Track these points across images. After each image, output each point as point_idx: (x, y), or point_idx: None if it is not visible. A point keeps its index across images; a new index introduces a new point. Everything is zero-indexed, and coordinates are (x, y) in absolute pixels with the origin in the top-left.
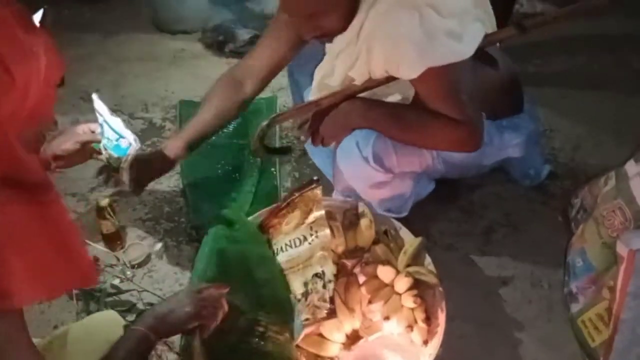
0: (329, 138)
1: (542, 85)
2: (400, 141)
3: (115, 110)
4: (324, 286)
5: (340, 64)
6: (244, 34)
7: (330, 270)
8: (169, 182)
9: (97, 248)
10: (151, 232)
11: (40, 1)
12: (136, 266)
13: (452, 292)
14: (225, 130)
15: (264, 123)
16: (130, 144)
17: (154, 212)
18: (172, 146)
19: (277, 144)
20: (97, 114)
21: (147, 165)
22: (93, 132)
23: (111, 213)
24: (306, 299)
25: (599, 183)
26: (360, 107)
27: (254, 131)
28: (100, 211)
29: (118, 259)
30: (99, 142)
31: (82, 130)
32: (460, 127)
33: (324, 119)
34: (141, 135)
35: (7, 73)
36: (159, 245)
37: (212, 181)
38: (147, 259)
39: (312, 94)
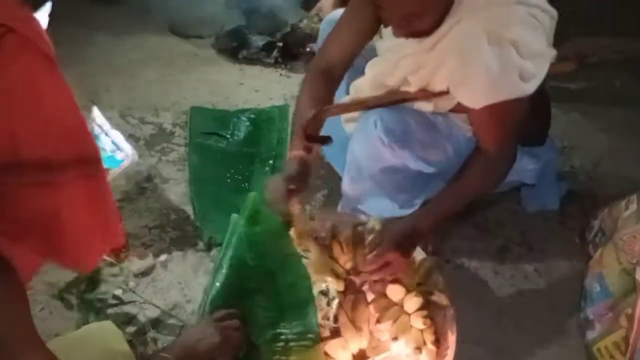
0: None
1: (562, 102)
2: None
3: (125, 114)
4: (328, 303)
5: (404, 66)
6: (257, 41)
7: (334, 286)
8: (176, 189)
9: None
10: (157, 241)
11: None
12: (140, 275)
13: (464, 313)
14: (235, 138)
15: (311, 114)
16: (126, 156)
17: (160, 220)
18: (295, 154)
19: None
20: (95, 125)
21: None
22: None
23: None
24: None
25: (619, 206)
26: (420, 224)
27: (268, 137)
28: None
29: (121, 269)
30: None
31: None
32: (494, 165)
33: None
34: (150, 141)
35: (48, 58)
36: (164, 256)
37: (221, 190)
38: (152, 268)
39: (361, 88)
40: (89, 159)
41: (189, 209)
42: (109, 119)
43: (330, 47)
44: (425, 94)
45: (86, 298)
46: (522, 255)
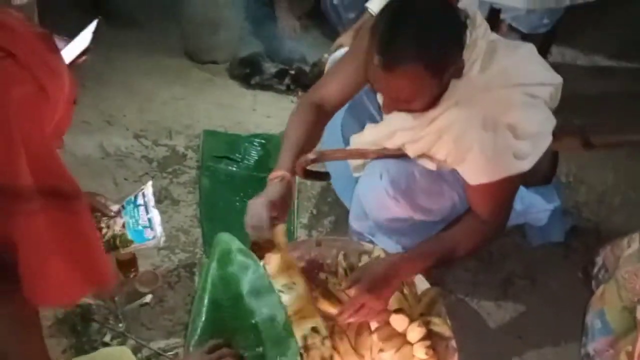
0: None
1: None
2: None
3: (139, 135)
4: (322, 342)
5: (401, 136)
6: (270, 68)
7: (321, 324)
8: (186, 212)
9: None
10: (165, 262)
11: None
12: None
13: (465, 345)
14: (246, 162)
15: (311, 156)
16: (154, 238)
17: (169, 242)
18: (278, 174)
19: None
20: (141, 196)
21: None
22: (106, 209)
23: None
24: (307, 354)
25: (621, 244)
26: (399, 271)
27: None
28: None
29: (110, 309)
30: (105, 216)
31: (99, 201)
32: (484, 231)
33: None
34: (163, 163)
35: (43, 91)
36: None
37: (230, 213)
38: (159, 288)
39: (360, 144)
40: (60, 193)
41: (198, 232)
42: (123, 139)
43: (327, 84)
44: (424, 156)
45: (77, 342)
46: (525, 288)
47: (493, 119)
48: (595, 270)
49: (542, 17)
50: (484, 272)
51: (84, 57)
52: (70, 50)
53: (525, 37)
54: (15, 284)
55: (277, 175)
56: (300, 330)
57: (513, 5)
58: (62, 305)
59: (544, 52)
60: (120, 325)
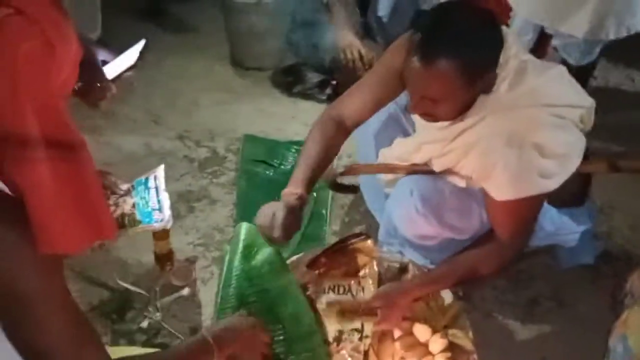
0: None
1: None
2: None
3: (183, 136)
4: (360, 339)
5: (428, 150)
6: (313, 77)
7: (369, 327)
8: (223, 211)
9: (130, 288)
10: (200, 258)
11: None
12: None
13: None
14: (282, 168)
15: (339, 170)
16: (162, 220)
17: (205, 239)
18: (289, 193)
19: None
20: (153, 179)
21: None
22: (116, 189)
23: (167, 235)
24: (337, 344)
25: None
26: (415, 289)
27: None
28: (156, 233)
29: (149, 300)
30: (114, 194)
31: (109, 179)
32: (501, 255)
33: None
34: (203, 163)
35: (51, 47)
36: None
37: None
38: (193, 283)
39: (388, 159)
40: (65, 143)
41: (232, 231)
42: (168, 139)
43: (349, 101)
44: (452, 172)
45: (116, 326)
46: (551, 309)
47: (519, 137)
48: (622, 295)
49: (594, 46)
50: (511, 291)
51: (129, 73)
52: (117, 65)
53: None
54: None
55: (292, 192)
56: (339, 326)
57: (570, 33)
58: (67, 253)
59: (586, 78)
60: (158, 314)
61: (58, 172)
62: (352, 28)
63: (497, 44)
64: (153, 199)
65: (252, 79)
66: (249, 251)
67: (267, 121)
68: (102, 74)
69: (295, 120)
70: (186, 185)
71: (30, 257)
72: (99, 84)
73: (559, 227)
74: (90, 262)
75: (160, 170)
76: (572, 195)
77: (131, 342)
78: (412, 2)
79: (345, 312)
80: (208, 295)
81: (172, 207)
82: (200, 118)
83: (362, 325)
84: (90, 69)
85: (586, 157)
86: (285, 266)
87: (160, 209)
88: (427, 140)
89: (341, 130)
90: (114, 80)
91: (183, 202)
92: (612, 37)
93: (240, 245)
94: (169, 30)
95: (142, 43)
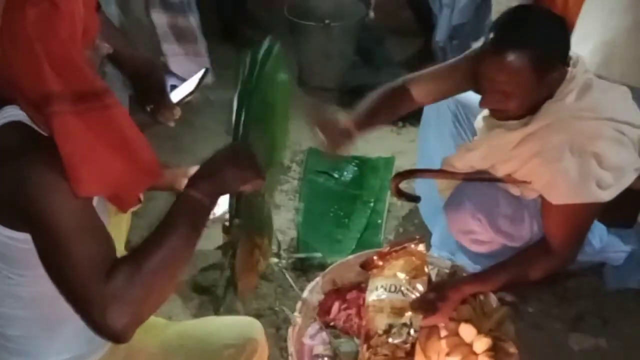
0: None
1: None
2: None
3: None
4: (409, 333)
5: (492, 156)
6: None
7: (417, 322)
8: (286, 215)
9: None
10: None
11: None
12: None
13: None
14: (342, 179)
15: (400, 174)
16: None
17: None
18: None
19: None
20: None
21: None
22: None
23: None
24: (387, 336)
25: None
26: (464, 287)
27: (372, 183)
28: (226, 228)
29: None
30: None
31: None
32: (550, 263)
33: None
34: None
35: (55, 6)
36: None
37: (324, 222)
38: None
39: (452, 164)
40: (87, 92)
41: (293, 233)
42: None
43: (422, 80)
44: (511, 179)
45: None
46: (596, 327)
47: (580, 146)
48: None
49: None
50: (557, 306)
51: (188, 98)
52: (181, 90)
53: None
54: None
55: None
56: (389, 320)
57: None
58: (124, 205)
59: None
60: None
61: (88, 122)
62: None
63: (565, 42)
64: None
65: (317, 97)
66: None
67: None
68: (168, 98)
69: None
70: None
71: (69, 195)
72: (165, 107)
73: (607, 244)
74: None
75: None
76: (622, 215)
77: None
78: (474, 29)
79: (396, 308)
80: (268, 289)
81: None
82: None
83: (411, 321)
84: (159, 93)
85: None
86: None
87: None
88: (493, 144)
89: (407, 99)
90: (179, 103)
91: None
92: None
93: (271, 60)
94: (237, 47)
95: (202, 71)
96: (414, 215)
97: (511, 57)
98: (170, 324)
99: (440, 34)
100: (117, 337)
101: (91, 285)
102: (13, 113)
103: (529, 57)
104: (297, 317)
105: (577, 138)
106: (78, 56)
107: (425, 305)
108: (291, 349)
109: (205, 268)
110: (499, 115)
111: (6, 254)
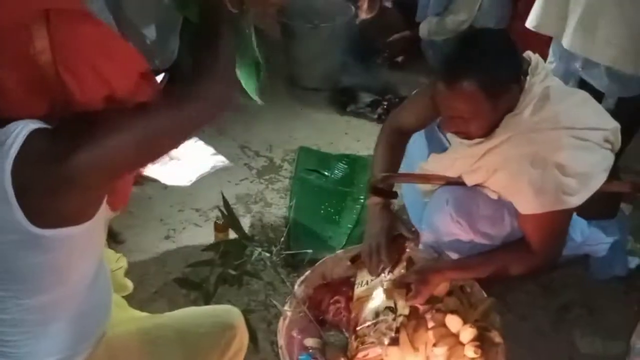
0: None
1: None
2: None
3: (244, 146)
4: (394, 318)
5: (459, 167)
6: (365, 98)
7: (402, 305)
8: (277, 213)
9: None
10: (254, 252)
11: None
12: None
13: (515, 357)
14: (333, 177)
15: (380, 176)
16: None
17: (260, 236)
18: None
19: None
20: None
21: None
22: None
23: (226, 229)
24: (375, 325)
25: None
26: (446, 273)
27: (362, 180)
28: (218, 226)
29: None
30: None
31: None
32: (532, 261)
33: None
34: (261, 171)
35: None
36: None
37: (315, 218)
38: (245, 272)
39: (424, 171)
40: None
41: (284, 230)
42: (230, 148)
43: (404, 114)
44: (483, 186)
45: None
46: (582, 316)
47: (542, 158)
48: None
49: None
50: (543, 297)
51: None
52: None
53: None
54: None
55: (377, 202)
56: (375, 308)
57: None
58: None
59: None
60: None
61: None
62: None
63: (514, 62)
64: None
65: (309, 98)
66: None
67: (321, 136)
68: None
69: (348, 136)
70: (245, 189)
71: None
72: None
73: (588, 238)
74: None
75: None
76: (601, 208)
77: None
78: None
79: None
80: (259, 284)
81: (233, 207)
82: (260, 131)
83: (395, 305)
84: None
85: (615, 174)
86: None
87: None
88: (458, 157)
89: (403, 137)
90: None
91: (241, 203)
92: None
93: None
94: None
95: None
96: (404, 212)
97: (461, 87)
98: (150, 317)
99: (421, 30)
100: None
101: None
102: (24, 125)
103: (478, 85)
104: (287, 311)
105: (538, 150)
106: None
107: (406, 286)
108: (281, 341)
109: (194, 264)
110: (461, 136)
111: (11, 268)
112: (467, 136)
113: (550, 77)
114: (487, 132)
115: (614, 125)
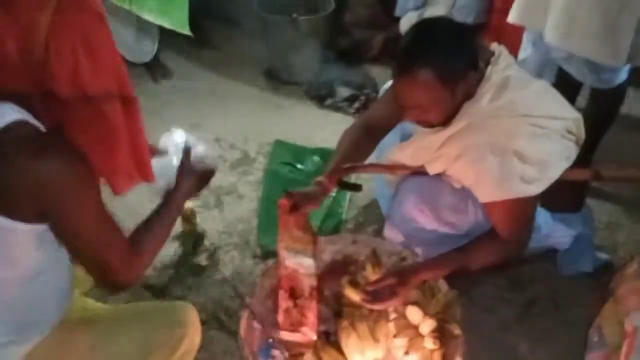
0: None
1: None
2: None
3: (219, 138)
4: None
5: (420, 157)
6: (343, 92)
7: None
8: (248, 205)
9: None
10: (222, 244)
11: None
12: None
13: (479, 353)
14: (306, 170)
15: (344, 167)
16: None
17: (229, 228)
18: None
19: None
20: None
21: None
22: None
23: (192, 216)
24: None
25: (627, 267)
26: (423, 272)
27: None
28: (184, 216)
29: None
30: None
31: None
32: (504, 249)
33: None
34: (235, 163)
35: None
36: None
37: None
38: (214, 264)
39: (390, 162)
40: (129, 98)
41: (254, 223)
42: (205, 140)
43: (375, 112)
44: (445, 176)
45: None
46: (547, 310)
47: (500, 145)
48: (607, 294)
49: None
50: (510, 291)
51: None
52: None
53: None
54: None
55: (318, 180)
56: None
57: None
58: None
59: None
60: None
61: (125, 120)
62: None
63: (470, 49)
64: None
65: (287, 91)
66: None
67: (298, 129)
68: None
69: (324, 129)
70: (217, 181)
71: (91, 186)
72: None
73: (552, 229)
74: None
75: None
76: (565, 200)
77: None
78: None
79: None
80: (228, 272)
81: (203, 199)
82: (235, 124)
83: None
84: None
85: (580, 165)
86: None
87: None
88: (421, 146)
89: (370, 136)
90: None
91: (213, 195)
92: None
93: None
94: (213, 47)
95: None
96: (374, 205)
97: (416, 76)
98: (104, 308)
99: (403, 26)
100: (131, 285)
101: (122, 254)
102: (10, 111)
103: (433, 73)
104: (249, 302)
105: (497, 137)
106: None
107: (387, 290)
108: (241, 332)
109: (157, 269)
110: (423, 125)
111: None
112: (428, 125)
113: (513, 67)
114: (446, 120)
115: (575, 115)
